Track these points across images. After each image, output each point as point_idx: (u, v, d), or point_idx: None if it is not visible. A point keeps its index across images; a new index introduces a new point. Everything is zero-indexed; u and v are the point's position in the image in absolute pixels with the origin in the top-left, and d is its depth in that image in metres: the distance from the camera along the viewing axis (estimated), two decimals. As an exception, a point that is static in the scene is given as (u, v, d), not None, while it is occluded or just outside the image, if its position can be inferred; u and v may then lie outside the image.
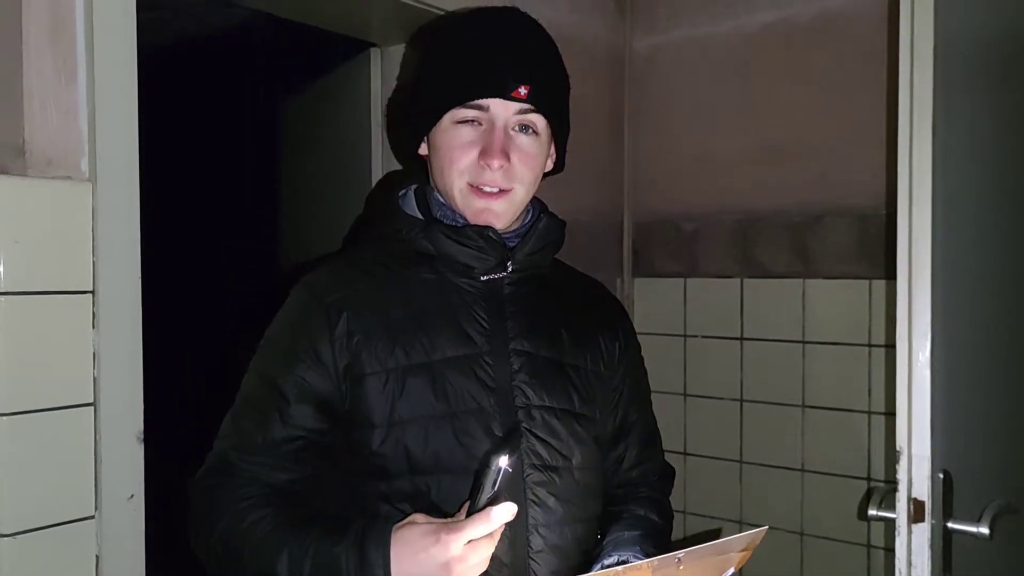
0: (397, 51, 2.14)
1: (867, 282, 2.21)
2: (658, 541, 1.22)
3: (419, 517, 1.03)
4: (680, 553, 0.95)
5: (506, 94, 1.15)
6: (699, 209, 2.50)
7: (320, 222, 2.52)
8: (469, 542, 0.97)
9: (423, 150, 1.26)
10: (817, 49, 2.28)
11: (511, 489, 1.06)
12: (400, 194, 1.28)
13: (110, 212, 1.32)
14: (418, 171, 1.32)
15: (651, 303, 2.57)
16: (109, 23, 1.32)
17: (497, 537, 1.00)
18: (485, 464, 1.02)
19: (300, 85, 2.69)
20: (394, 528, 1.01)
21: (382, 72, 2.18)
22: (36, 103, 1.26)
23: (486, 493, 0.99)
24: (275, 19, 1.92)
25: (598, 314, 1.34)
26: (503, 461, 0.98)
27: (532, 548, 1.09)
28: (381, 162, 2.17)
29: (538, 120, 1.19)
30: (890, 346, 2.10)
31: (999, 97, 1.60)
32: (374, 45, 2.18)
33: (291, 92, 2.78)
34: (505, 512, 0.97)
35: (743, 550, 1.04)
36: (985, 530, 1.35)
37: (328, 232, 2.31)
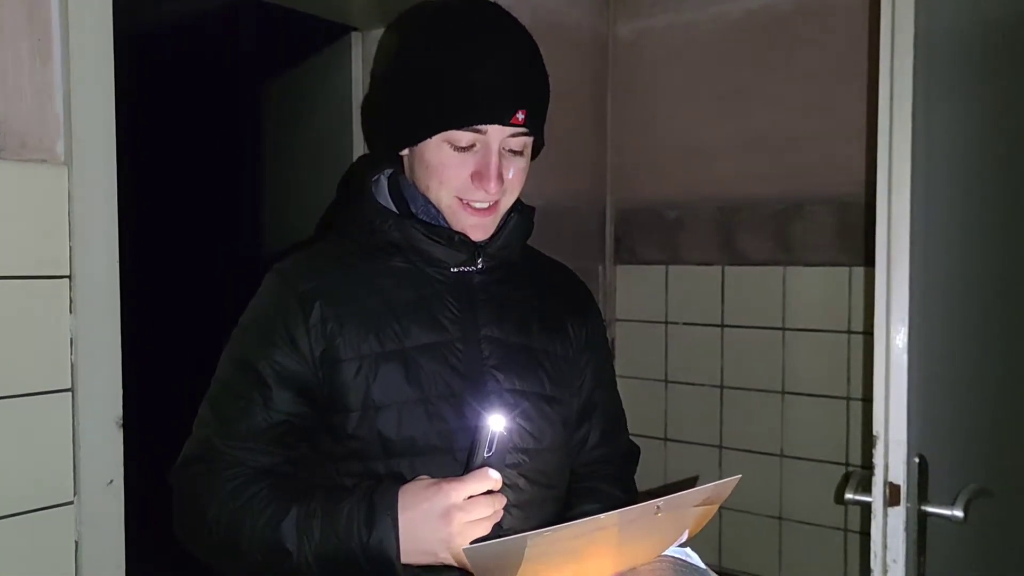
0: (378, 35, 2.13)
1: (847, 269, 2.23)
2: None
3: (423, 477, 1.06)
4: (659, 501, 0.96)
5: (506, 120, 1.13)
6: (681, 197, 2.51)
7: (300, 207, 2.51)
8: (470, 497, 1.00)
9: (403, 151, 1.25)
10: (800, 36, 2.29)
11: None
12: (373, 179, 1.27)
13: (87, 195, 1.30)
14: (392, 157, 1.31)
15: (633, 290, 2.58)
16: (85, 3, 1.30)
17: (499, 505, 1.02)
18: (480, 428, 1.04)
19: (280, 69, 2.67)
20: (400, 486, 1.05)
21: (363, 56, 2.17)
22: (10, 84, 1.24)
23: (480, 456, 1.02)
24: (255, 2, 1.91)
25: (566, 299, 1.35)
26: (497, 424, 1.01)
27: (502, 526, 1.11)
28: (362, 147, 2.17)
29: (528, 141, 1.20)
30: (868, 333, 2.12)
31: (979, 86, 1.61)
32: (355, 29, 2.17)
33: (271, 76, 2.76)
34: (495, 475, 1.01)
35: (714, 502, 1.06)
36: (959, 513, 1.37)
37: (308, 217, 2.30)
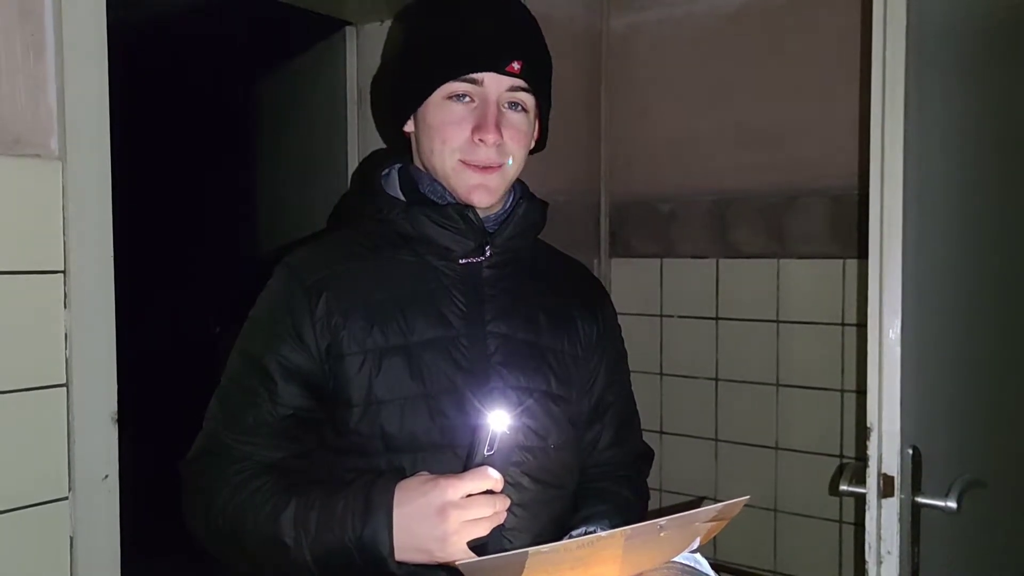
0: (373, 29, 2.12)
1: (840, 262, 2.23)
2: (630, 517, 1.23)
3: (422, 472, 1.05)
4: (662, 520, 0.95)
5: (501, 68, 1.15)
6: (676, 190, 2.51)
7: (295, 202, 2.50)
8: (468, 496, 0.98)
9: (409, 127, 1.25)
10: (793, 29, 2.29)
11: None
12: (383, 174, 1.28)
13: (81, 190, 1.30)
14: (402, 150, 1.31)
15: (628, 284, 2.59)
16: (78, -2, 1.30)
17: (501, 506, 1.00)
18: (481, 426, 1.03)
19: (275, 64, 2.67)
20: (399, 481, 1.04)
21: (358, 50, 2.16)
22: (3, 79, 1.23)
23: (479, 455, 1.00)
24: (249, -4, 1.90)
25: (577, 296, 1.34)
26: (499, 423, 0.99)
27: (505, 526, 1.10)
28: (357, 142, 2.16)
29: (528, 99, 1.20)
30: (862, 325, 2.13)
31: (972, 78, 1.61)
32: (350, 23, 2.16)
33: (266, 71, 2.75)
34: (495, 474, 0.99)
35: (722, 519, 1.06)
36: (953, 504, 1.38)
37: (303, 212, 2.30)
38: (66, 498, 1.29)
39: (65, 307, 1.28)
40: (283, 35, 2.53)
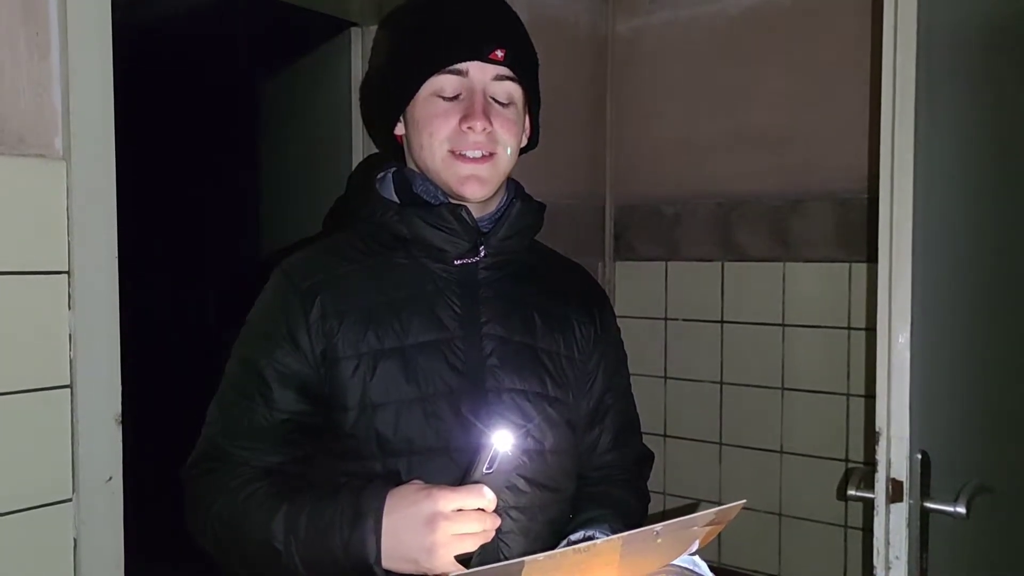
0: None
1: (846, 266, 2.22)
2: (630, 521, 1.22)
3: (416, 480, 1.04)
4: (658, 526, 0.95)
5: (484, 56, 1.14)
6: (681, 193, 2.51)
7: (298, 204, 2.50)
8: (459, 510, 0.97)
9: (399, 130, 1.25)
10: (801, 33, 2.29)
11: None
12: (378, 177, 1.27)
13: (85, 191, 1.29)
14: (397, 156, 1.31)
15: (632, 287, 2.58)
16: (84, -3, 1.29)
17: (490, 526, 0.99)
18: (484, 445, 1.01)
19: (279, 65, 2.66)
20: (392, 487, 1.03)
21: (363, 52, 2.16)
22: (7, 78, 1.23)
23: (478, 472, 0.99)
24: (254, -3, 1.90)
25: (574, 298, 1.33)
26: (500, 443, 0.98)
27: (501, 529, 1.09)
28: (361, 144, 2.16)
29: (515, 90, 1.19)
30: (869, 329, 2.12)
31: (982, 83, 1.61)
32: (355, 25, 2.16)
33: (270, 72, 2.75)
34: (489, 494, 0.98)
35: (718, 523, 1.05)
36: (962, 510, 1.37)
37: (306, 214, 2.29)
38: (70, 500, 1.28)
39: (69, 308, 1.28)
40: (287, 36, 2.53)
